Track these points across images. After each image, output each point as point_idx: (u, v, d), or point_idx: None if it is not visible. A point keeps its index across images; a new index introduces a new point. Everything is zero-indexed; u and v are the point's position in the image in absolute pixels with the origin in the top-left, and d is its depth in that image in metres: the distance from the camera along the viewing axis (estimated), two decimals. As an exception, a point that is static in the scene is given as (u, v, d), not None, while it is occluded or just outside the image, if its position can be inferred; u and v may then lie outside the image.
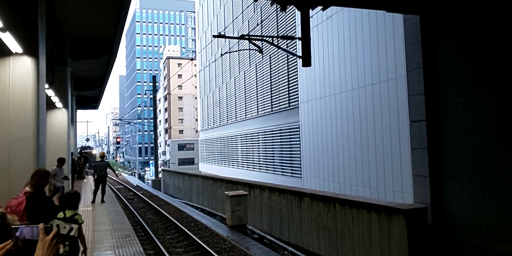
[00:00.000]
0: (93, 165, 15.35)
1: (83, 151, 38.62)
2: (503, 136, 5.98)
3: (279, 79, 20.05)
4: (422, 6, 7.32)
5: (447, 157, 6.95)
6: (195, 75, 43.02)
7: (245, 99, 25.69)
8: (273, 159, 20.46)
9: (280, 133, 19.59)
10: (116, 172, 39.68)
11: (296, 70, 17.72)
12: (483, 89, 6.29)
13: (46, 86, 8.94)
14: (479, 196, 6.34)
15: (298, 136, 17.12)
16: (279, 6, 6.79)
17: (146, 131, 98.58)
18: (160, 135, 79.62)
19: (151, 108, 50.46)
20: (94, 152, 45.85)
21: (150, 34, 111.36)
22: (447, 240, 6.86)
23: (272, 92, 20.97)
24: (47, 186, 4.70)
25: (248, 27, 24.61)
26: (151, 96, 39.78)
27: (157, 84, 40.21)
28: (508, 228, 5.87)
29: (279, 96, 20.02)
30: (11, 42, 6.17)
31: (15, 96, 6.68)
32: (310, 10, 7.69)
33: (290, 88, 18.63)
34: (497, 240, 6.00)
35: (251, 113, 24.50)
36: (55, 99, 12.35)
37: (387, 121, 11.25)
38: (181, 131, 76.32)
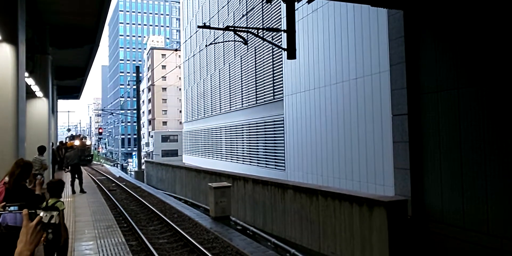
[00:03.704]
0: (64, 156, 15.03)
1: (68, 141, 35.37)
2: (482, 130, 6.13)
3: (264, 71, 20.03)
4: (405, 1, 7.39)
5: (428, 150, 7.09)
6: (179, 66, 42.64)
7: (230, 91, 25.60)
8: (257, 152, 20.52)
9: (265, 125, 19.63)
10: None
11: (281, 63, 17.72)
12: (464, 84, 6.42)
13: (26, 74, 8.76)
14: (458, 189, 6.50)
15: (282, 128, 17.18)
16: (265, -3, 6.76)
17: (129, 122, 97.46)
18: (143, 127, 78.87)
19: (135, 99, 49.81)
20: (88, 142, 40.87)
21: (133, 24, 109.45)
22: (427, 232, 7.03)
23: (257, 84, 20.94)
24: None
25: (234, 18, 24.44)
26: (135, 86, 39.29)
27: (140, 74, 39.68)
28: (485, 220, 6.05)
29: (264, 89, 20.01)
30: (-10, 29, 6.01)
31: (-6, 84, 6.52)
32: (296, 3, 7.69)
33: (275, 81, 18.64)
34: (474, 232, 6.18)
35: (236, 105, 24.46)
36: (35, 88, 12.09)
37: (370, 114, 11.38)
38: (164, 123, 75.72)
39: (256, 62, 21.05)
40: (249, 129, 21.76)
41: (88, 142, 40.72)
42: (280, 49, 15.86)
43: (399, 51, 7.57)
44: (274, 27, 17.91)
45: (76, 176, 13.86)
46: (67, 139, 39.71)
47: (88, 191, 14.12)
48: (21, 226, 1.41)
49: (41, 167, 10.58)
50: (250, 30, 10.34)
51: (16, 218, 1.41)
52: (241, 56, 23.51)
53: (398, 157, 7.61)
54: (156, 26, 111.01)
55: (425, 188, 7.14)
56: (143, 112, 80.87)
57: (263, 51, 20.08)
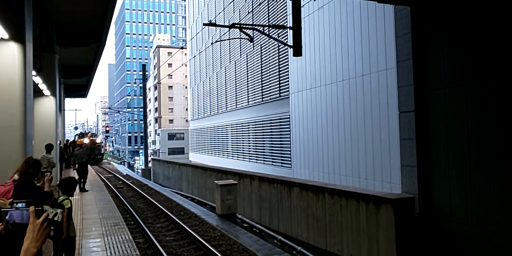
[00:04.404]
0: (72, 154, 15.08)
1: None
2: (490, 127, 6.06)
3: (269, 69, 19.98)
4: (413, -3, 7.32)
5: (435, 147, 7.04)
6: (186, 64, 42.67)
7: (236, 89, 25.60)
8: (263, 149, 20.51)
9: (271, 123, 19.61)
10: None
11: (287, 60, 17.67)
12: (472, 81, 6.35)
13: (34, 73, 8.81)
14: (466, 187, 6.45)
15: (289, 126, 17.16)
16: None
17: (136, 120, 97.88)
18: (150, 125, 79.16)
19: (141, 97, 49.86)
20: (98, 140, 39.40)
21: (140, 22, 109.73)
22: (434, 229, 6.99)
23: (263, 82, 20.91)
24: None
25: (239, 16, 24.40)
26: (141, 85, 39.41)
27: (147, 73, 39.73)
28: (493, 217, 6.00)
29: (270, 86, 19.98)
30: (-3, 28, 6.04)
31: (1, 82, 6.56)
32: (302, 0, 7.66)
33: (281, 79, 18.60)
34: (482, 229, 6.13)
35: (242, 103, 24.45)
36: (42, 86, 12.17)
37: (376, 112, 11.31)
38: (171, 121, 75.94)
39: (262, 59, 21.01)
40: (255, 127, 21.75)
41: (98, 140, 39.22)
42: (286, 46, 15.82)
43: (406, 48, 7.50)
44: (280, 24, 17.84)
45: (82, 174, 13.94)
46: (77, 137, 39.19)
47: (95, 189, 14.21)
48: (28, 223, 1.41)
49: (48, 165, 10.66)
50: (256, 27, 10.32)
51: (23, 215, 1.41)
52: (247, 53, 23.48)
53: (405, 154, 7.57)
54: (162, 24, 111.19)
55: (432, 186, 7.09)
56: (150, 110, 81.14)
57: (269, 48, 20.04)
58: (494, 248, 5.92)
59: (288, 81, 17.38)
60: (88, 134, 40.15)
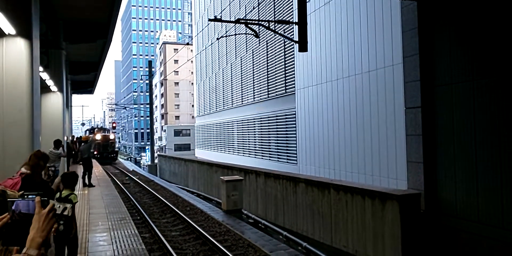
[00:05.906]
0: (78, 149, 15.04)
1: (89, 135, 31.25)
2: (497, 123, 6.02)
3: (275, 65, 19.94)
4: (420, -8, 7.25)
5: (441, 143, 7.00)
6: (191, 61, 42.68)
7: (242, 85, 25.59)
8: (269, 145, 20.51)
9: (276, 119, 19.60)
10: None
11: (292, 56, 17.62)
12: (479, 76, 6.30)
13: (41, 69, 8.87)
14: (472, 183, 6.41)
15: (294, 122, 17.13)
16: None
17: (142, 116, 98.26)
18: (156, 121, 79.47)
19: (147, 94, 49.95)
20: (111, 136, 34.80)
21: (146, 18, 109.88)
22: (440, 226, 6.96)
23: (269, 78, 20.88)
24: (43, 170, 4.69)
25: (245, 11, 24.34)
26: (147, 81, 39.47)
27: (153, 69, 39.75)
28: (499, 213, 5.96)
29: (276, 83, 19.95)
30: (4, 23, 6.08)
31: (9, 78, 6.62)
32: (308, -6, 7.62)
33: (286, 75, 18.56)
34: (489, 226, 6.10)
35: (248, 99, 24.44)
36: (50, 82, 12.25)
37: (383, 108, 11.26)
38: (177, 117, 76.16)
39: (268, 55, 20.97)
40: (261, 123, 21.75)
41: (111, 136, 34.62)
42: (292, 42, 15.78)
43: (413, 43, 7.45)
44: (286, 19, 17.77)
45: (87, 169, 14.04)
46: (87, 132, 37.25)
47: (102, 184, 14.30)
48: (34, 213, 1.43)
49: (55, 160, 10.76)
50: (261, 22, 10.28)
51: (28, 205, 1.43)
52: (252, 49, 23.44)
53: (411, 150, 7.53)
54: (169, 20, 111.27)
55: (438, 182, 7.06)
56: (156, 106, 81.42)
57: (275, 44, 19.98)
58: (500, 244, 5.89)
59: (294, 77, 17.33)
60: (102, 129, 36.97)
